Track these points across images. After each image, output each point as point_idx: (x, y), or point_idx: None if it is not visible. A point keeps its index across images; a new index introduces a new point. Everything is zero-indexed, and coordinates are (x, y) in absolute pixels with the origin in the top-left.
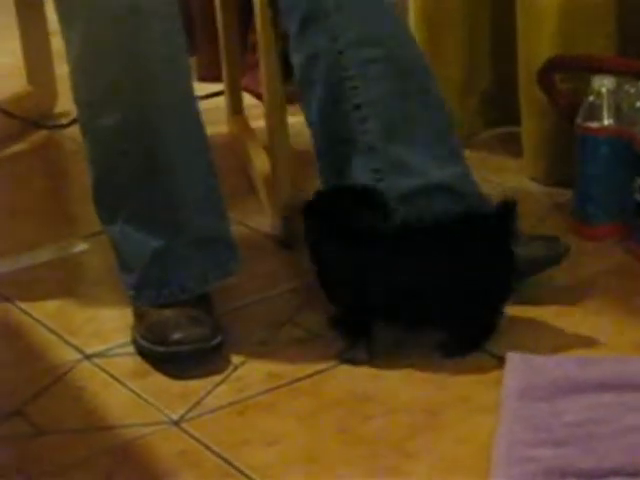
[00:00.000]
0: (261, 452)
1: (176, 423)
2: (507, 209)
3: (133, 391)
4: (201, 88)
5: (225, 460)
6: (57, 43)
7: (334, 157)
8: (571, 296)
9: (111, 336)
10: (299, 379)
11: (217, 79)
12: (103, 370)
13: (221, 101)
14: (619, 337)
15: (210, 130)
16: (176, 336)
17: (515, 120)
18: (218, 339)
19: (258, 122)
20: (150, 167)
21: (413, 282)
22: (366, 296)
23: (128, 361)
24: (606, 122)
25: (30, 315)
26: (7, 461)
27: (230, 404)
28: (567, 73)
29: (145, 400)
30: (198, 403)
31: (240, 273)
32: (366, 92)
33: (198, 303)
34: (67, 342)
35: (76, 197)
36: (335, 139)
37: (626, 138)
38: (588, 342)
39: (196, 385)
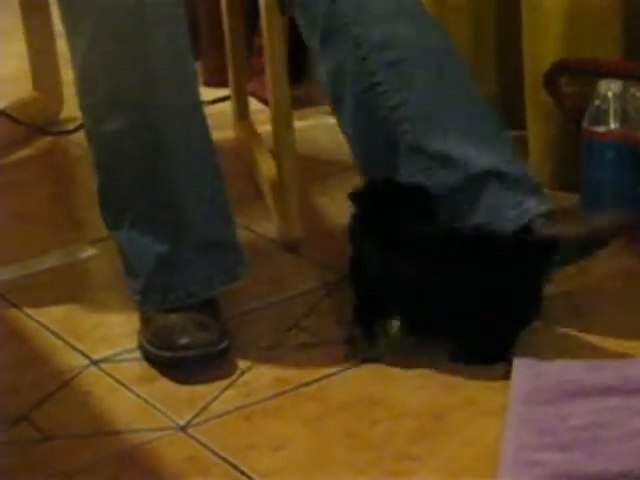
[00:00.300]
0: (268, 457)
1: (183, 428)
2: (547, 246)
3: (140, 396)
4: (207, 93)
5: (232, 465)
6: (63, 48)
7: (379, 166)
8: (577, 300)
9: (118, 341)
10: (306, 384)
11: (222, 84)
12: (110, 375)
13: (227, 106)
14: (625, 341)
15: (216, 135)
16: (183, 341)
17: (521, 124)
18: (225, 344)
19: (264, 127)
20: (155, 172)
21: (428, 288)
22: (382, 296)
23: (135, 366)
24: (612, 126)
25: (37, 320)
26: (13, 466)
27: (237, 409)
28: (573, 77)
29: (152, 405)
30: (205, 408)
31: (246, 278)
32: (397, 94)
33: (204, 308)
34: (74, 347)
35: (82, 202)
36: (376, 147)
37: (632, 142)
38: (594, 346)
39: (203, 390)
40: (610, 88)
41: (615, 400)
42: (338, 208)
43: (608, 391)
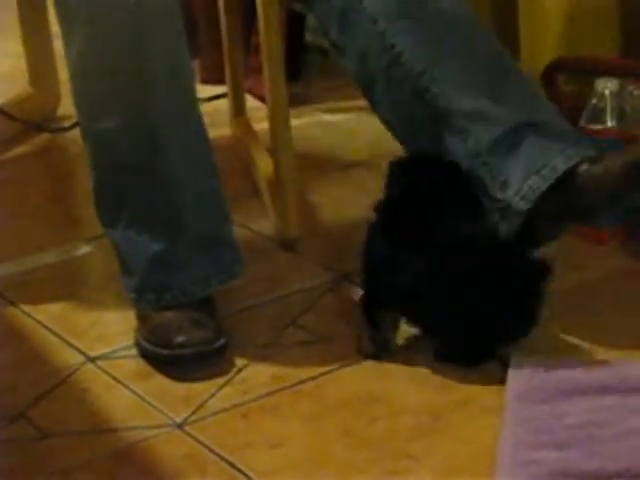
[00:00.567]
0: (265, 455)
1: (179, 426)
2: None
3: (136, 394)
4: (204, 90)
5: (229, 463)
6: (60, 45)
7: (420, 137)
8: (574, 298)
9: (115, 339)
10: (303, 381)
11: (219, 82)
12: (106, 373)
13: (224, 103)
14: (622, 339)
15: (213, 133)
16: (179, 339)
17: None
18: (221, 342)
19: (261, 124)
20: (151, 170)
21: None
22: (379, 292)
23: (132, 364)
24: (609, 124)
25: (33, 318)
26: (11, 464)
27: (234, 407)
28: (571, 75)
29: (149, 403)
30: (201, 406)
31: (243, 276)
32: (421, 61)
33: (200, 306)
34: (70, 345)
35: (79, 200)
36: (413, 119)
37: (629, 140)
38: (591, 344)
39: (199, 388)
40: (607, 86)
41: (611, 399)
42: (335, 206)
43: (604, 390)
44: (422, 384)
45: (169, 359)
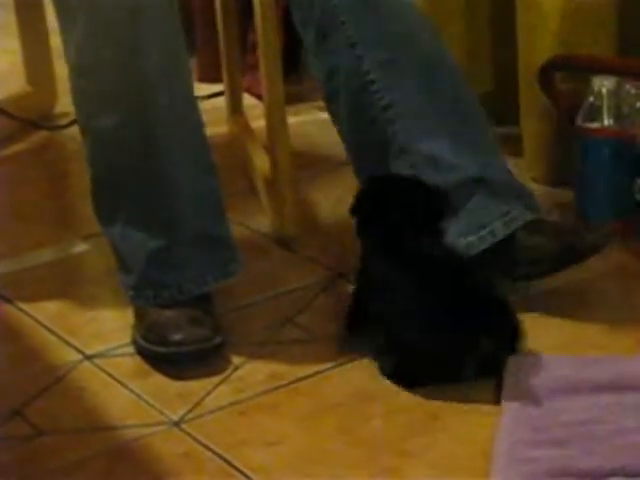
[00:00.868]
0: (261, 453)
1: (176, 424)
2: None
3: (133, 392)
4: (201, 88)
5: (225, 461)
6: (57, 42)
7: (370, 164)
8: (571, 295)
9: (111, 336)
10: (299, 379)
11: (216, 80)
12: (103, 371)
13: (221, 101)
14: (619, 336)
15: (210, 130)
16: (176, 337)
17: (515, 120)
18: (218, 339)
19: (258, 122)
20: (149, 168)
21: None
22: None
23: (128, 361)
24: (606, 123)
25: (30, 316)
26: (7, 462)
27: (230, 404)
28: (567, 73)
29: (145, 401)
30: (198, 404)
31: (240, 274)
32: (389, 94)
33: (198, 303)
34: (67, 343)
35: (76, 197)
36: (368, 145)
37: (626, 139)
38: (588, 342)
39: (196, 386)
40: (604, 85)
41: (608, 396)
42: (332, 203)
43: (601, 388)
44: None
45: (166, 357)
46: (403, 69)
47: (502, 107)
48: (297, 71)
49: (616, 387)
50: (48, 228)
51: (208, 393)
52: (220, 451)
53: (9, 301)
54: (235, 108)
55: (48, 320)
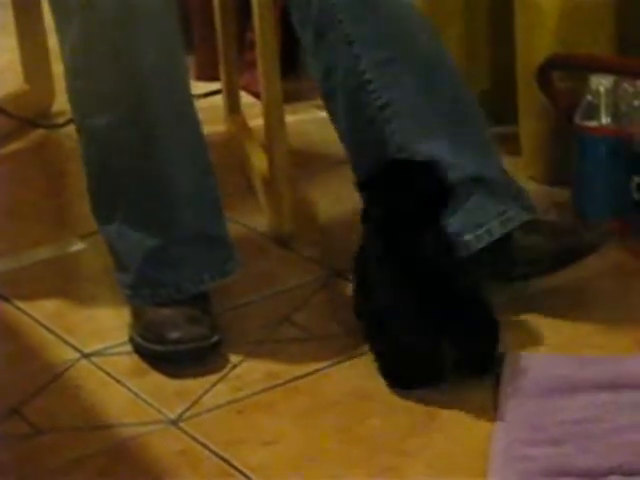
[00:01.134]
0: (259, 451)
1: (174, 422)
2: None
3: (131, 390)
4: (198, 87)
5: (223, 459)
6: (54, 41)
7: (368, 163)
8: (568, 294)
9: (109, 335)
10: (297, 378)
11: (214, 79)
12: (101, 369)
13: (218, 100)
14: (616, 336)
15: (207, 129)
16: (174, 335)
17: (513, 119)
18: (216, 338)
19: (256, 121)
20: (146, 167)
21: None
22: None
23: (126, 360)
24: (604, 121)
25: (28, 314)
26: (5, 460)
27: (228, 403)
28: (565, 72)
29: (143, 399)
30: (196, 402)
31: (238, 273)
32: (386, 93)
33: (195, 302)
34: (65, 341)
35: (74, 196)
36: (365, 145)
37: (624, 137)
38: (585, 341)
39: (194, 384)
40: (602, 83)
41: (605, 395)
42: (330, 202)
43: (598, 386)
44: None
45: (164, 355)
46: (401, 69)
47: (500, 106)
48: (295, 70)
49: (613, 386)
50: (45, 226)
51: (206, 392)
52: (218, 449)
53: (7, 299)
54: (233, 107)
55: (46, 319)
